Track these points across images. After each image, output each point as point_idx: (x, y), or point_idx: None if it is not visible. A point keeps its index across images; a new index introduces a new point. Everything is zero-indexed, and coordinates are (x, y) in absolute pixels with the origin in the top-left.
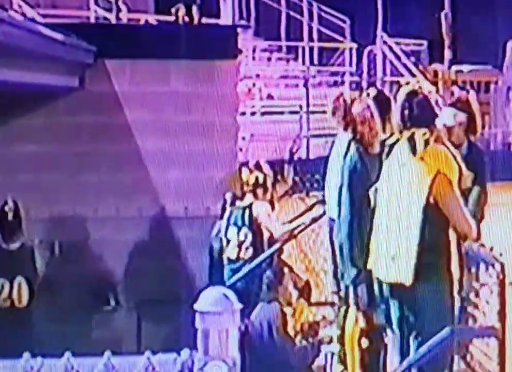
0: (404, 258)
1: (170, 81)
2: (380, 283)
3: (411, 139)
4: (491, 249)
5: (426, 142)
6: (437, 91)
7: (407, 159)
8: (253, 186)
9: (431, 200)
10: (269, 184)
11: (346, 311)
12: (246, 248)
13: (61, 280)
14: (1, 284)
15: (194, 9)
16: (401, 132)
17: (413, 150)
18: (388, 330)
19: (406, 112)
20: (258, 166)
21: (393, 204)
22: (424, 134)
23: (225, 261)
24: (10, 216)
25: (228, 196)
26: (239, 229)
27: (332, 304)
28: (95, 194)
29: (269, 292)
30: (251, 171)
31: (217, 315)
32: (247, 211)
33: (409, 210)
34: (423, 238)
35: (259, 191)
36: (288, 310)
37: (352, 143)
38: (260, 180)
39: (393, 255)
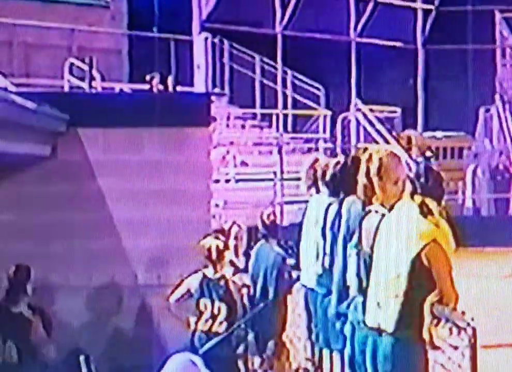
0: (389, 306)
1: (143, 150)
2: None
3: (422, 204)
4: (463, 313)
5: (439, 213)
6: (410, 157)
7: (415, 218)
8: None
9: (423, 259)
10: (227, 252)
11: None
12: (220, 323)
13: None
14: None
15: (169, 78)
16: (412, 196)
17: (423, 214)
18: None
19: (422, 180)
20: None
21: (387, 254)
22: (437, 205)
23: (198, 332)
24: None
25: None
26: (213, 302)
27: (306, 371)
28: (67, 263)
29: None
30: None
31: None
32: (221, 283)
33: (400, 260)
34: (409, 289)
35: (216, 259)
36: None
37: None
38: (220, 248)
39: (379, 301)
